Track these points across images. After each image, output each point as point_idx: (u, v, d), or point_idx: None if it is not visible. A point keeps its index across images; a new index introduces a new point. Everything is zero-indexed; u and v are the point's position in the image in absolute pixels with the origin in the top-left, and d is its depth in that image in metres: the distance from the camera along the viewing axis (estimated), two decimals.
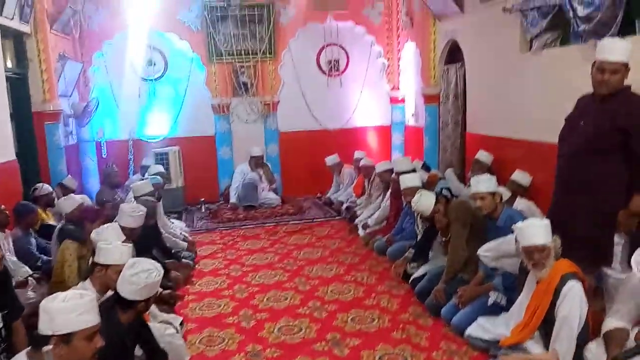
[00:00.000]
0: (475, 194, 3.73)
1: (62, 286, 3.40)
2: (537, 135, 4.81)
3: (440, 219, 4.06)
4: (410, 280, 4.43)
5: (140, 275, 2.61)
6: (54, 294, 2.01)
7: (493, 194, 3.71)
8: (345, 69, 8.67)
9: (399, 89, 8.76)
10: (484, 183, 3.75)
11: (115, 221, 3.92)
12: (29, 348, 1.95)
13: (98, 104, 7.40)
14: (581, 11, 4.12)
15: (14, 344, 2.72)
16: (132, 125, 7.96)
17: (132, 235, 3.90)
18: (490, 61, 5.81)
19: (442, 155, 7.08)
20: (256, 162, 7.94)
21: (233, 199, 7.76)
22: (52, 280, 3.80)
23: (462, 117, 6.62)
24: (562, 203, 3.49)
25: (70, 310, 1.89)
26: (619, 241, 3.29)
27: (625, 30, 3.85)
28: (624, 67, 3.13)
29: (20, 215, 4.42)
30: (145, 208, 4.25)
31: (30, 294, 3.73)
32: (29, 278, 3.88)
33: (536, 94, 4.92)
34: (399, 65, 8.65)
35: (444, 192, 4.25)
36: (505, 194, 4.36)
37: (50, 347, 1.41)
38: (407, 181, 4.92)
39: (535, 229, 2.93)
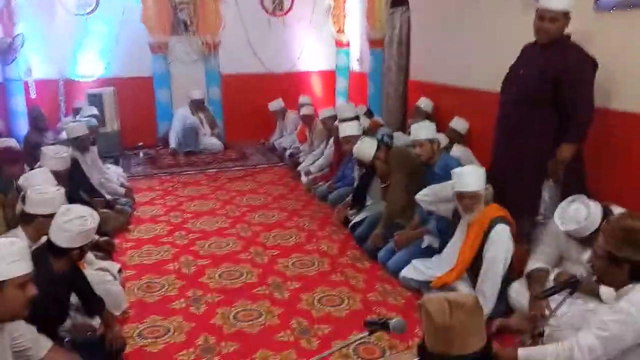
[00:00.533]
0: (415, 140, 3.80)
1: None
2: (477, 83, 4.91)
3: (380, 165, 4.13)
4: (349, 226, 4.53)
5: (74, 222, 2.50)
6: None
7: (432, 141, 3.79)
8: (289, 9, 8.38)
9: (344, 32, 8.61)
10: (423, 130, 3.82)
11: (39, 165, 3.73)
12: None
13: (24, 40, 6.83)
14: None
15: None
16: (63, 64, 7.43)
17: (59, 179, 3.70)
18: (435, 7, 5.79)
19: (385, 100, 7.11)
20: (197, 106, 7.69)
21: (173, 144, 7.53)
22: None
23: (406, 63, 6.63)
24: (500, 151, 3.62)
25: (1, 257, 1.81)
26: (548, 189, 3.46)
27: None
28: (564, 16, 3.19)
29: None
30: (69, 149, 4.05)
31: None
32: None
33: (478, 42, 4.97)
34: (344, 8, 8.46)
35: (385, 139, 4.31)
36: (443, 140, 4.47)
37: None
38: (347, 129, 4.87)
39: (469, 176, 3.05)
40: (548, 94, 3.28)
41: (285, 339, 2.99)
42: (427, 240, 3.66)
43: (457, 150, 4.67)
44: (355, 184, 4.76)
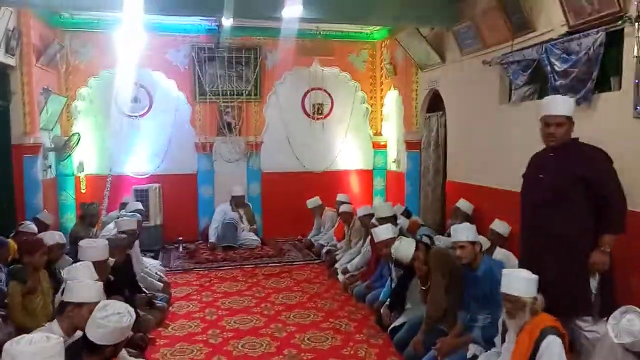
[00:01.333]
0: (455, 242, 3.73)
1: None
2: (516, 185, 4.86)
3: (420, 266, 4.03)
4: (388, 330, 4.36)
5: (110, 319, 2.51)
6: (20, 336, 1.92)
7: (473, 243, 3.71)
8: (329, 113, 8.79)
9: (381, 134, 8.89)
10: (463, 232, 3.75)
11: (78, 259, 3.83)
12: None
13: (79, 138, 7.34)
14: (559, 66, 4.29)
15: None
16: (113, 161, 7.88)
17: (100, 271, 3.75)
18: (470, 111, 5.96)
19: (423, 201, 7.13)
20: (237, 202, 7.90)
21: (212, 239, 7.65)
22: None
23: (443, 165, 6.72)
24: (532, 253, 3.51)
25: (35, 354, 1.80)
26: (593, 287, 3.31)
27: (601, 86, 4.00)
28: (568, 121, 3.35)
29: None
30: (107, 241, 4.16)
31: None
32: None
33: (514, 144, 5.03)
34: (382, 111, 8.81)
35: (424, 239, 4.25)
36: (485, 243, 4.38)
37: None
38: (380, 234, 4.72)
39: (513, 279, 2.94)
40: (577, 192, 3.29)
41: None
42: (472, 349, 3.46)
43: (499, 254, 4.54)
44: (393, 286, 4.63)
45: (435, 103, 6.99)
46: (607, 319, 2.90)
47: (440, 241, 5.01)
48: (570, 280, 3.29)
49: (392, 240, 4.49)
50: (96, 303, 2.66)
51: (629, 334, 2.47)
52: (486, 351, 3.38)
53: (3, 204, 5.52)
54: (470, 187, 5.87)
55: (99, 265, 3.83)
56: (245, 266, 6.82)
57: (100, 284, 3.08)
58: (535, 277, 2.97)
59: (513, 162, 5.01)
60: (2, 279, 4.31)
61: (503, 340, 3.14)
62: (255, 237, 7.92)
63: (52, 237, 4.41)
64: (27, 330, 2.30)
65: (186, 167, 8.18)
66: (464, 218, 5.31)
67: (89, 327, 2.51)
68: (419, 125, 7.31)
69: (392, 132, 8.57)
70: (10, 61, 5.77)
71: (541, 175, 3.48)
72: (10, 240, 4.59)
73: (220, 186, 8.25)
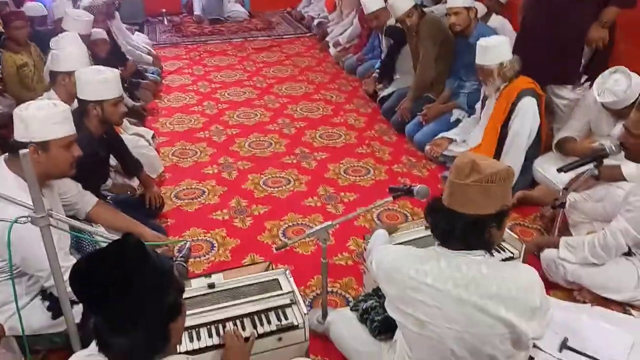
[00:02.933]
0: (450, 8, 3.58)
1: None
2: None
3: (410, 25, 3.92)
4: (377, 99, 4.50)
5: (89, 73, 2.52)
6: (27, 102, 1.97)
7: (468, 8, 3.57)
8: None
9: None
10: None
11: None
12: (6, 155, 1.97)
13: None
14: None
15: None
16: None
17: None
18: None
19: None
20: None
21: (197, 11, 7.33)
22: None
23: None
24: (534, 18, 3.40)
25: (45, 118, 1.87)
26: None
27: None
28: None
29: None
30: (92, 15, 4.01)
31: None
32: None
33: None
34: None
35: (422, 5, 4.07)
36: (481, 9, 4.22)
37: (26, 150, 1.43)
38: (370, 5, 4.41)
39: (480, 49, 2.99)
40: None
41: (312, 204, 3.15)
42: (456, 114, 3.64)
43: (495, 21, 4.41)
44: (383, 56, 4.61)
45: None
46: (588, 86, 3.01)
47: (437, 11, 4.81)
48: (563, 50, 3.24)
49: (381, 11, 4.30)
50: None
51: (612, 93, 2.56)
52: (469, 116, 3.57)
53: None
54: None
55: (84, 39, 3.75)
56: (234, 40, 6.67)
57: (84, 49, 3.04)
58: (502, 42, 2.96)
59: None
60: None
61: (483, 106, 3.28)
62: (243, 9, 7.57)
63: (34, 9, 4.20)
64: (26, 101, 2.33)
65: None
66: None
67: (79, 91, 2.52)
68: None
69: None
70: None
71: None
72: None
73: None
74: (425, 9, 4.09)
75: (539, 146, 3.10)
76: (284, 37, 6.84)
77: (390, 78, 4.53)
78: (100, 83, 2.47)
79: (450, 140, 3.47)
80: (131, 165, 2.99)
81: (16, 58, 3.75)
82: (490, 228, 1.38)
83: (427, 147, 3.56)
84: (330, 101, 4.75)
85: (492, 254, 1.51)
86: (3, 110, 3.51)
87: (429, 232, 1.81)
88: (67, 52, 2.89)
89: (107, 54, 4.13)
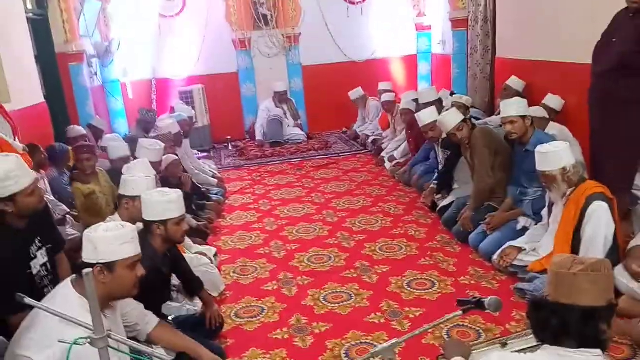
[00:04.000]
0: (505, 118, 3.62)
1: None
2: (571, 56, 4.58)
3: (461, 139, 3.96)
4: (437, 210, 4.43)
5: (154, 195, 2.64)
6: (96, 224, 2.06)
7: (524, 117, 3.59)
8: None
9: (425, 15, 8.39)
10: (513, 106, 3.62)
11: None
12: (74, 276, 2.03)
13: (119, 43, 7.33)
14: None
15: (59, 275, 2.86)
16: (154, 64, 7.90)
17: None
18: None
19: (471, 82, 6.83)
20: (280, 98, 7.88)
21: (259, 136, 7.79)
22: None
23: (492, 42, 6.34)
24: (595, 125, 3.37)
25: (112, 239, 1.94)
26: None
27: None
28: None
29: (55, 155, 4.53)
30: (163, 144, 4.34)
31: (70, 230, 3.88)
32: (67, 216, 4.03)
33: (570, 12, 4.63)
34: None
35: (472, 119, 4.14)
36: (541, 113, 4.23)
37: (89, 270, 1.46)
38: (424, 118, 4.61)
39: (539, 156, 2.96)
40: None
41: (376, 321, 2.98)
42: (523, 222, 3.49)
43: (553, 128, 4.39)
44: (440, 167, 4.63)
45: None
46: None
47: (491, 122, 4.88)
48: (620, 156, 3.15)
49: (436, 124, 4.41)
50: None
51: None
52: (536, 224, 3.41)
53: (57, 115, 5.69)
54: (521, 63, 5.55)
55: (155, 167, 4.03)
56: (293, 160, 6.96)
57: (153, 176, 3.24)
58: (562, 147, 2.90)
59: (567, 33, 4.68)
60: (67, 183, 4.61)
61: (550, 213, 3.15)
62: (301, 132, 7.98)
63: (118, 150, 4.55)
64: None
65: (226, 66, 8.10)
66: (514, 96, 5.09)
67: (144, 212, 2.63)
68: (465, 0, 6.82)
69: (436, 12, 8.06)
70: None
71: (614, 39, 3.19)
72: (70, 148, 4.81)
73: (261, 83, 8.18)
74: (478, 122, 4.14)
75: (617, 253, 2.87)
76: (341, 155, 7.08)
77: (449, 188, 4.50)
78: (165, 204, 2.59)
79: (520, 250, 3.29)
80: (193, 285, 3.00)
81: (83, 188, 3.95)
82: (603, 324, 1.30)
83: (495, 258, 3.39)
84: (389, 213, 4.72)
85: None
86: (75, 235, 3.71)
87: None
88: (135, 178, 3.08)
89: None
